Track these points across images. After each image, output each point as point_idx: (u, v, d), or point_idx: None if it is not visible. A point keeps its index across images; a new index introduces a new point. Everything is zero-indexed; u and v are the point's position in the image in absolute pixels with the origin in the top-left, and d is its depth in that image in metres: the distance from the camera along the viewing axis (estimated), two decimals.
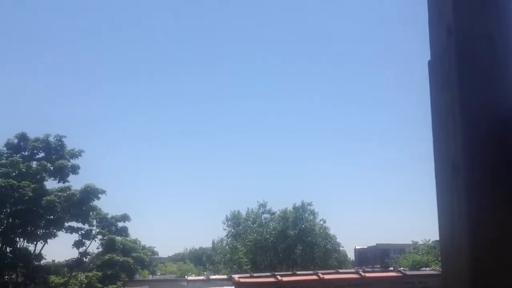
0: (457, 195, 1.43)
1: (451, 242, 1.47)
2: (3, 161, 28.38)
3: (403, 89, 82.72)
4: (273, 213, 47.74)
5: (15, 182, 27.04)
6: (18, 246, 28.96)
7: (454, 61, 1.52)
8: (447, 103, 1.54)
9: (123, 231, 31.65)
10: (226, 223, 48.93)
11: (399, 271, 12.46)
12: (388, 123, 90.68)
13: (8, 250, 28.80)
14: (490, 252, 1.36)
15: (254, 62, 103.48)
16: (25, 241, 29.02)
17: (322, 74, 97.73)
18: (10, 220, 28.23)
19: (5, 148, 29.68)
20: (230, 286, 12.83)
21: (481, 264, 1.35)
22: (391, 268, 19.89)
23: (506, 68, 1.53)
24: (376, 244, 73.19)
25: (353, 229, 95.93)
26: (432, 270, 17.22)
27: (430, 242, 48.54)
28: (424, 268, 31.48)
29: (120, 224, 31.67)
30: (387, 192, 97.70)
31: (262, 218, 48.01)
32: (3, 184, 26.65)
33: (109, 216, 31.20)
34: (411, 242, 55.32)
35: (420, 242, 51.60)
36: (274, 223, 46.85)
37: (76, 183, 30.65)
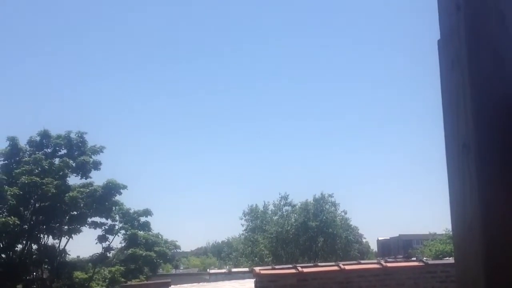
0: (468, 175, 1.41)
1: (463, 222, 1.44)
2: (26, 158, 28.76)
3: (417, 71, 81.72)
4: (294, 206, 47.69)
5: (38, 179, 27.38)
6: (43, 242, 29.38)
7: (463, 39, 1.49)
8: (458, 82, 1.51)
9: (146, 226, 31.90)
10: (244, 218, 48.90)
11: (421, 260, 12.36)
12: (408, 114, 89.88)
13: (33, 247, 29.25)
14: (503, 228, 1.33)
15: (271, 49, 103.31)
16: (50, 237, 29.44)
17: (336, 61, 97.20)
18: (34, 217, 28.62)
19: (27, 146, 30.06)
20: (252, 278, 12.86)
21: (494, 241, 1.33)
22: (414, 259, 19.73)
23: None
24: (399, 235, 72.90)
25: (375, 220, 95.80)
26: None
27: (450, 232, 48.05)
28: (447, 258, 31.20)
29: (143, 219, 31.93)
30: (409, 184, 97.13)
31: (284, 210, 47.97)
32: (26, 182, 27.02)
33: (131, 211, 31.47)
34: (428, 233, 54.95)
35: (441, 233, 51.24)
36: (295, 215, 46.81)
37: (98, 179, 31.03)
